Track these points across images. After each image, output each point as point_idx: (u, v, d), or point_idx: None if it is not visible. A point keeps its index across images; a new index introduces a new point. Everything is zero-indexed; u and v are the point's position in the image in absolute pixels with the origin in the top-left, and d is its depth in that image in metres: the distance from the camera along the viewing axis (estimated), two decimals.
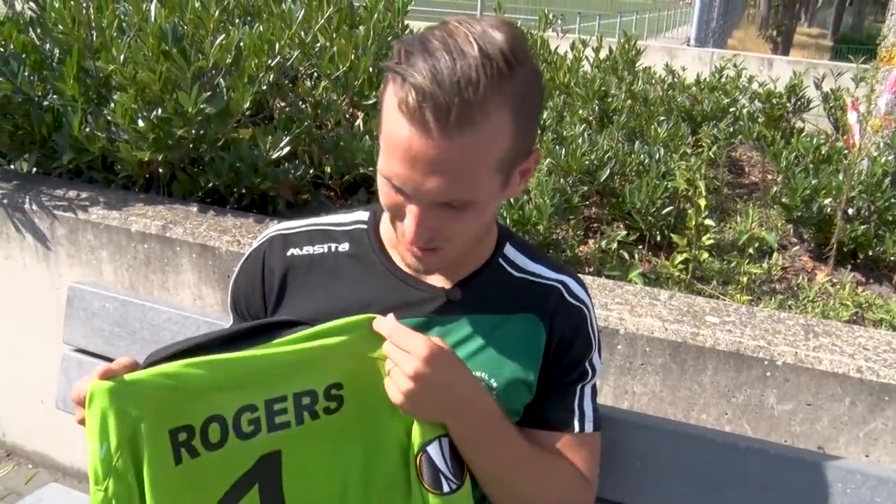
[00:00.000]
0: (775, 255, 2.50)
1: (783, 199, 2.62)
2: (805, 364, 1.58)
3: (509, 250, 1.18)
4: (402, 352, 0.98)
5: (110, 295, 1.65)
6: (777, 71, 7.24)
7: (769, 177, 3.49)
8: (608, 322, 1.64)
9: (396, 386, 0.98)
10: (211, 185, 2.19)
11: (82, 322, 1.68)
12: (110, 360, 1.00)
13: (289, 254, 1.17)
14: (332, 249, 1.17)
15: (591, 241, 2.34)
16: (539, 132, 1.99)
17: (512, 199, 2.14)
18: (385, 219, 1.16)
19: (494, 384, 1.11)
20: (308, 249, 1.17)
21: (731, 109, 3.55)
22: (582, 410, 1.16)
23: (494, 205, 1.05)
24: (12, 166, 2.47)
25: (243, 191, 2.22)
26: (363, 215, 1.20)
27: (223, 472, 1.00)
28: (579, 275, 1.26)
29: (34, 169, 2.45)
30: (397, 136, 0.92)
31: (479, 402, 1.04)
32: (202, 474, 0.97)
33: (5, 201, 2.27)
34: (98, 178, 2.36)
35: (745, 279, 2.13)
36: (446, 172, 0.92)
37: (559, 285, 1.17)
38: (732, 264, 2.33)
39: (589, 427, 1.16)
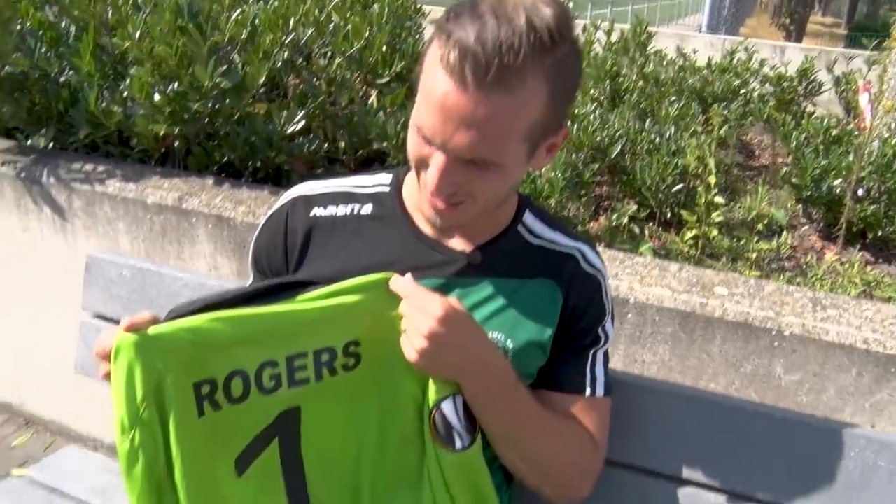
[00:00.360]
0: (784, 233, 2.51)
1: (793, 180, 2.63)
2: (812, 335, 1.60)
3: (528, 218, 1.21)
4: (418, 311, 1.01)
5: (127, 262, 1.68)
6: (789, 58, 7.21)
7: (780, 160, 3.49)
8: (618, 291, 1.67)
9: (412, 344, 1.02)
10: (226, 158, 2.22)
11: (100, 289, 1.71)
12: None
13: (312, 214, 1.20)
14: (355, 211, 1.20)
15: (601, 218, 2.36)
16: None
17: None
18: (408, 182, 1.19)
19: (510, 345, 1.14)
20: (332, 210, 1.20)
21: (742, 91, 3.56)
22: (594, 375, 1.19)
23: (517, 172, 1.07)
24: (30, 141, 2.50)
25: (258, 164, 2.24)
26: (386, 178, 1.23)
27: (244, 426, 1.03)
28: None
29: (51, 144, 2.48)
30: (435, 88, 0.95)
31: (491, 362, 1.07)
32: (224, 427, 1.00)
33: (23, 175, 2.30)
34: (114, 153, 2.39)
35: (753, 255, 2.15)
36: (476, 129, 0.95)
37: (576, 253, 1.19)
38: (742, 242, 2.34)
39: (600, 391, 1.19)
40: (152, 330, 0.96)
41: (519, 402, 1.11)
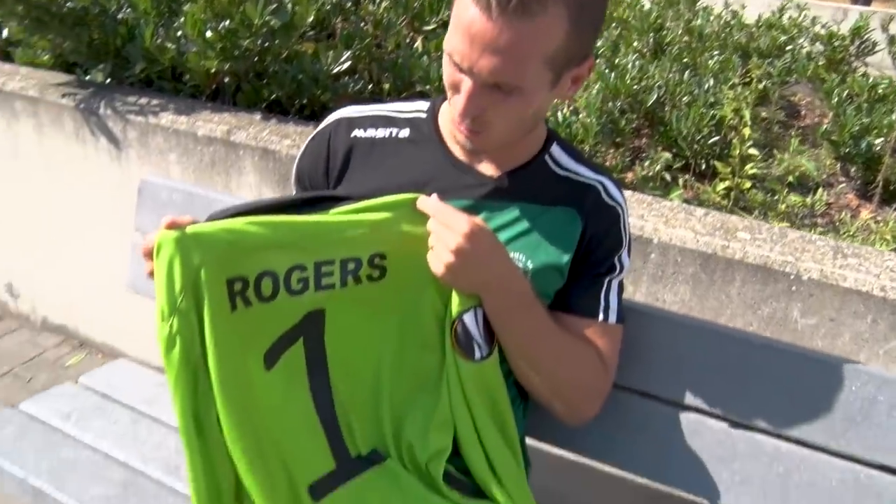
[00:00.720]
0: (819, 190, 2.53)
1: (832, 136, 2.63)
2: (830, 280, 1.64)
3: (555, 150, 1.28)
4: (446, 228, 1.09)
5: (177, 187, 1.79)
6: (852, 20, 7.02)
7: (825, 120, 3.47)
8: (643, 231, 1.72)
9: (439, 259, 1.10)
10: (274, 96, 2.32)
11: (151, 211, 1.82)
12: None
13: (353, 135, 1.29)
14: (393, 135, 1.28)
15: (636, 168, 2.40)
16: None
17: (560, 117, 2.22)
18: (444, 110, 1.27)
19: (530, 266, 1.22)
20: (371, 132, 1.29)
21: (789, 48, 3.52)
22: (607, 302, 1.27)
23: (541, 99, 1.14)
24: (88, 76, 2.62)
25: (304, 102, 2.33)
26: (423, 105, 1.31)
27: (272, 324, 1.12)
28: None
29: (108, 78, 2.60)
30: (463, 15, 1.02)
31: (512, 279, 1.15)
32: (254, 323, 1.09)
33: (82, 107, 2.42)
34: (167, 88, 2.49)
35: (783, 206, 2.17)
36: (499, 55, 1.02)
37: (598, 185, 1.26)
38: (775, 196, 2.37)
39: (612, 318, 1.27)
40: (191, 228, 1.04)
41: (536, 319, 1.19)
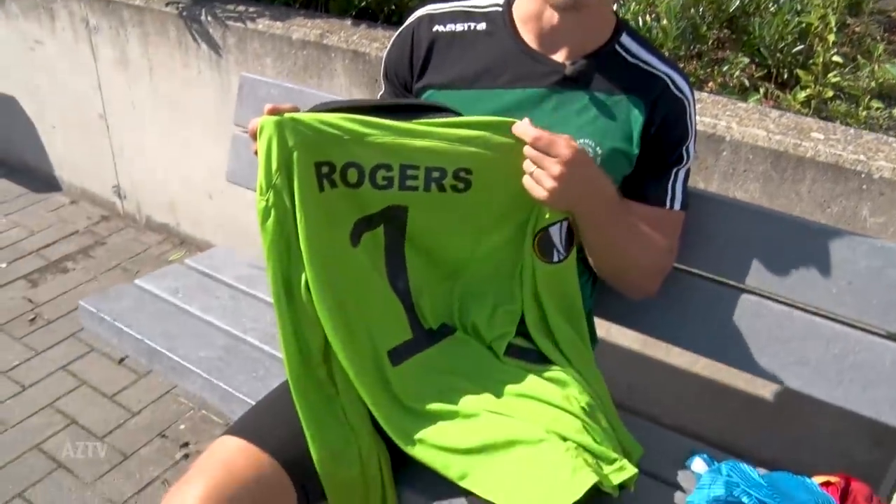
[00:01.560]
0: None
1: None
2: None
3: (626, 39, 1.34)
4: (547, 155, 1.15)
5: (275, 83, 1.92)
6: None
7: None
8: (716, 129, 1.77)
9: (541, 185, 1.17)
10: (364, 2, 2.41)
11: (250, 107, 1.96)
12: None
13: (434, 30, 1.38)
14: (471, 28, 1.37)
15: (715, 79, 2.41)
16: None
17: (640, 22, 2.25)
18: (518, 2, 1.34)
19: (599, 151, 1.30)
20: (451, 27, 1.37)
21: None
22: (674, 191, 1.35)
23: None
24: None
25: (392, 8, 2.42)
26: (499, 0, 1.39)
27: (356, 207, 1.23)
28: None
29: None
30: None
31: (606, 190, 1.25)
32: (339, 203, 1.21)
33: (185, 14, 2.57)
34: None
35: (863, 114, 2.16)
36: None
37: (666, 77, 1.32)
38: (858, 107, 2.34)
39: (678, 205, 1.35)
40: (290, 115, 1.16)
41: (620, 219, 1.29)
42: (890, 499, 1.53)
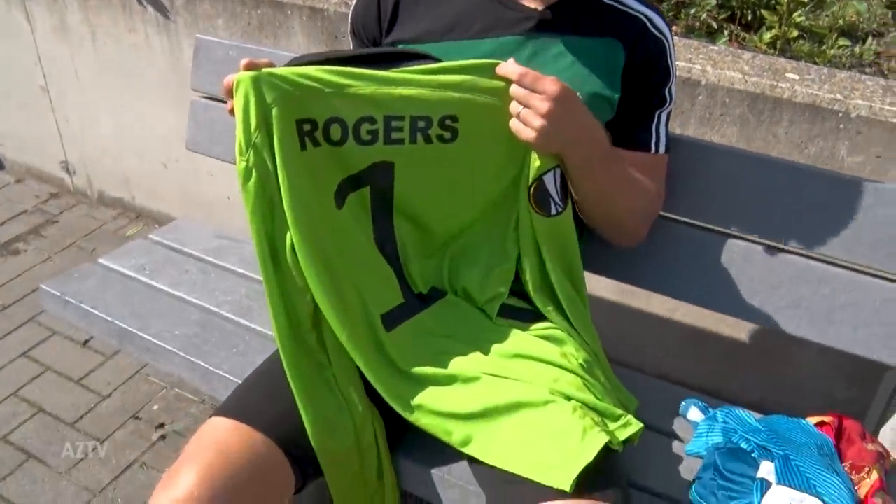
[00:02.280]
0: (869, 39, 2.48)
1: None
2: (879, 117, 1.64)
3: None
4: (534, 93, 1.10)
5: (233, 44, 1.83)
6: None
7: None
8: (691, 74, 1.74)
9: (529, 125, 1.12)
10: None
11: (208, 70, 1.87)
12: None
13: None
14: None
15: (680, 21, 2.37)
16: None
17: None
18: None
19: (579, 97, 1.25)
20: None
21: None
22: (658, 133, 1.32)
23: None
24: None
25: None
26: None
27: (340, 166, 1.18)
28: None
29: None
30: None
31: (596, 131, 1.19)
32: (322, 162, 1.15)
33: None
34: None
35: (830, 52, 2.15)
36: None
37: (644, 17, 1.28)
38: (822, 46, 2.33)
39: (662, 149, 1.33)
40: (268, 69, 1.10)
41: (611, 163, 1.24)
42: (876, 433, 1.55)
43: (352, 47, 1.41)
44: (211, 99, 1.89)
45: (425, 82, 1.15)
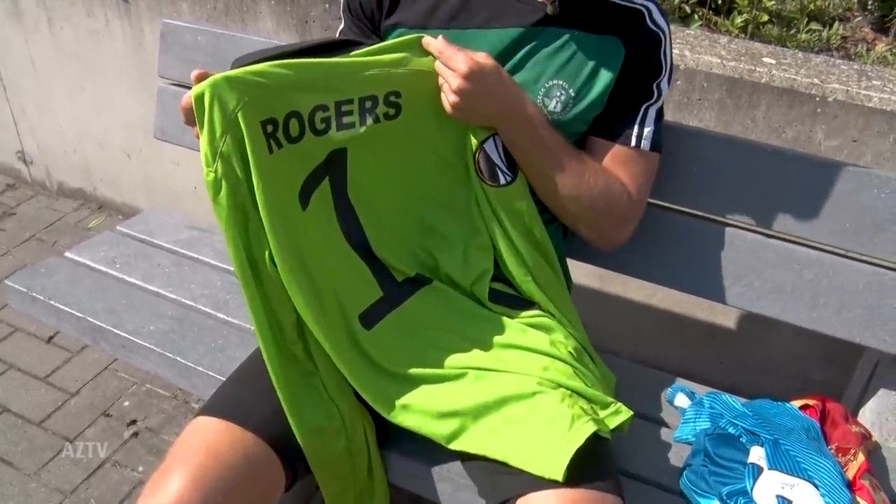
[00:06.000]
0: (836, 24, 2.50)
1: None
2: (855, 101, 1.66)
3: None
4: (448, 69, 1.14)
5: (203, 28, 1.77)
6: None
7: None
8: None
9: (446, 98, 1.16)
10: None
11: (176, 56, 1.81)
12: None
13: None
14: None
15: None
16: None
17: None
18: None
19: (572, 93, 1.24)
20: None
21: None
22: (642, 128, 1.28)
23: None
24: None
25: None
26: None
27: (302, 164, 1.15)
28: None
29: None
30: None
31: (519, 107, 1.19)
32: (287, 163, 1.13)
33: None
34: None
35: (802, 37, 2.17)
36: None
37: (643, 9, 1.25)
38: (792, 30, 2.35)
39: (646, 145, 1.28)
40: (223, 74, 1.05)
41: (550, 143, 1.22)
42: (856, 414, 1.57)
43: (343, 24, 1.37)
44: (179, 86, 1.83)
45: (371, 63, 1.16)
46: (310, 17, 2.02)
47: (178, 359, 1.47)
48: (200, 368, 1.45)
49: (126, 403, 2.09)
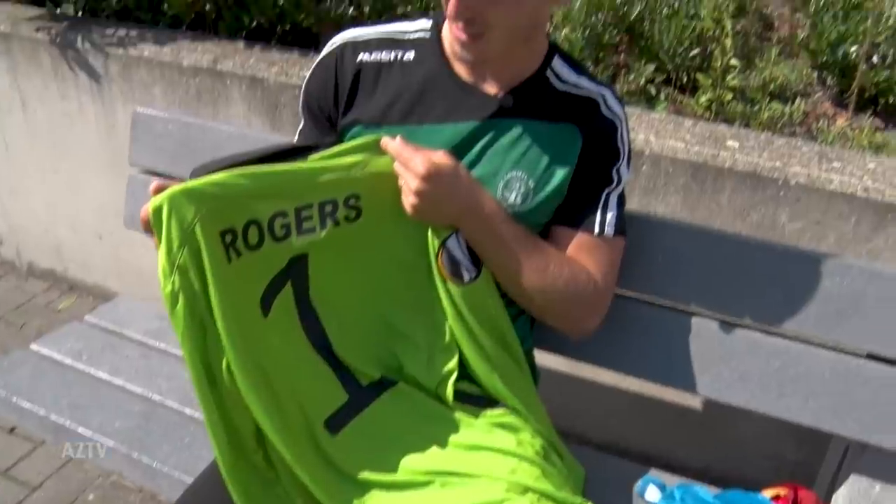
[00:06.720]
0: (797, 99, 2.56)
1: (810, 46, 2.65)
2: (816, 185, 1.69)
3: (556, 63, 1.28)
4: (406, 170, 1.14)
5: (173, 118, 1.78)
6: None
7: (799, 31, 3.48)
8: (634, 144, 1.76)
9: (405, 199, 1.16)
10: (255, 23, 2.29)
11: (147, 145, 1.82)
12: (175, 178, 1.13)
13: (359, 59, 1.29)
14: (399, 57, 1.29)
15: (619, 83, 2.42)
16: None
17: None
18: (446, 29, 1.27)
19: (531, 185, 1.24)
20: (377, 55, 1.29)
21: None
22: (605, 214, 1.28)
23: (536, 4, 1.16)
24: (59, 9, 2.56)
25: (287, 28, 2.31)
26: (426, 24, 1.31)
27: (262, 271, 1.16)
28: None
29: (80, 12, 2.54)
30: None
31: (480, 205, 1.19)
32: (246, 272, 1.13)
33: (58, 40, 2.38)
34: (145, 19, 2.45)
35: (765, 115, 2.22)
36: None
37: (598, 98, 1.27)
38: (755, 107, 2.40)
39: (609, 231, 1.28)
40: (180, 186, 1.06)
41: (512, 239, 1.22)
42: (828, 496, 1.56)
43: (303, 123, 1.38)
44: (151, 174, 1.83)
45: (330, 167, 1.16)
46: (280, 103, 2.04)
47: (143, 459, 1.45)
48: (166, 469, 1.42)
49: (91, 497, 2.04)
